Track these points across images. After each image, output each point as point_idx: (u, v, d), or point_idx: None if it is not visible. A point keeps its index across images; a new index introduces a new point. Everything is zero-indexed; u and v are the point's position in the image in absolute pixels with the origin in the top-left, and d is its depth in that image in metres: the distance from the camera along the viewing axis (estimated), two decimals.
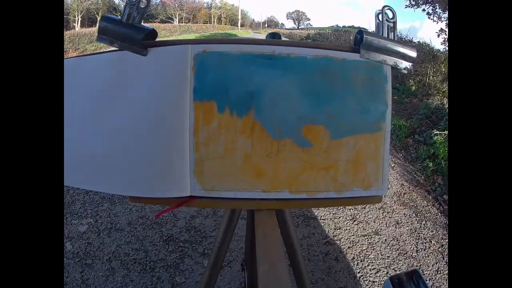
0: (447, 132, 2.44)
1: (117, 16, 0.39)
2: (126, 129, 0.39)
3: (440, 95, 3.73)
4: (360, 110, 0.40)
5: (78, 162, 0.40)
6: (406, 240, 1.55)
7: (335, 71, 0.40)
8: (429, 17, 6.13)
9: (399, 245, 1.51)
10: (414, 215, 1.77)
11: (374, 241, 1.52)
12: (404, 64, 0.41)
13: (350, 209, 1.75)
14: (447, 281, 1.32)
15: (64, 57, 0.38)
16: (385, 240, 1.54)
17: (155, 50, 0.38)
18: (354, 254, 1.42)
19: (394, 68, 0.41)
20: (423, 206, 1.87)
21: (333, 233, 1.55)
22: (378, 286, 1.27)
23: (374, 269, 1.35)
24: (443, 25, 5.82)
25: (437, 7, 5.82)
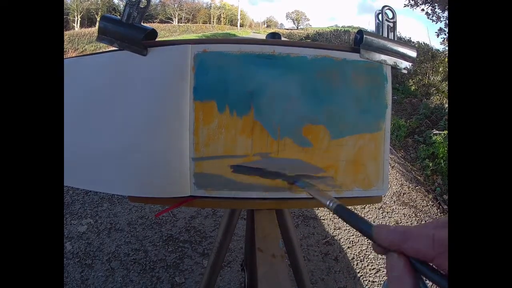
0: (447, 131, 2.45)
1: (117, 16, 0.39)
2: (126, 129, 0.39)
3: (440, 95, 3.74)
4: (360, 110, 0.40)
5: (78, 162, 0.40)
6: None
7: (335, 71, 0.40)
8: (428, 17, 6.14)
9: None
10: (413, 215, 1.77)
11: None
12: (404, 64, 0.41)
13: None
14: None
15: (64, 57, 0.38)
16: None
17: (155, 50, 0.38)
18: (354, 254, 1.42)
19: (394, 68, 0.41)
20: (422, 206, 1.87)
21: (332, 233, 1.55)
22: (377, 286, 1.27)
23: (373, 269, 1.35)
24: (442, 25, 5.83)
25: (436, 7, 5.83)
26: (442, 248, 0.19)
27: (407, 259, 0.21)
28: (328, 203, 0.30)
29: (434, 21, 6.09)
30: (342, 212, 0.29)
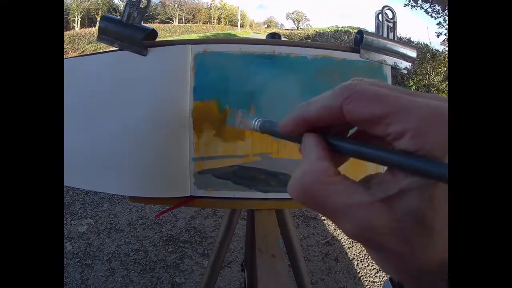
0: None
1: (117, 16, 0.39)
2: (126, 129, 0.39)
3: (440, 95, 3.74)
4: None
5: (78, 162, 0.40)
6: None
7: (335, 71, 0.40)
8: (428, 14, 6.15)
9: None
10: None
11: None
12: (404, 64, 0.41)
13: None
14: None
15: (64, 58, 0.38)
16: None
17: (155, 50, 0.38)
18: (354, 254, 1.42)
19: (394, 68, 0.41)
20: None
21: (333, 233, 1.55)
22: (378, 287, 1.27)
23: (374, 269, 1.35)
24: (441, 20, 5.84)
25: (436, 6, 5.83)
26: (349, 92, 0.15)
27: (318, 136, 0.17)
28: (253, 123, 0.27)
29: (434, 17, 6.09)
30: (267, 126, 0.25)
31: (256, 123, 0.27)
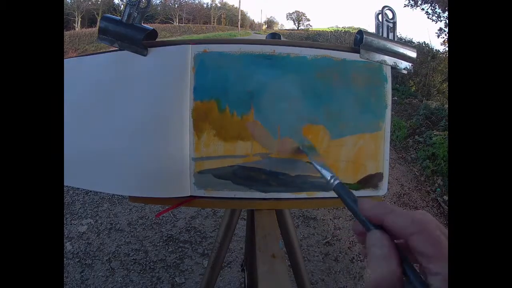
0: (447, 132, 2.44)
1: (117, 16, 0.39)
2: (126, 129, 0.39)
3: (440, 95, 3.74)
4: (360, 110, 0.40)
5: (78, 162, 0.40)
6: None
7: (335, 71, 0.40)
8: (428, 17, 6.14)
9: None
10: None
11: None
12: (403, 65, 0.41)
13: None
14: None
15: (64, 57, 0.38)
16: None
17: (155, 50, 0.38)
18: (354, 255, 1.42)
19: (394, 68, 0.41)
20: (423, 207, 1.87)
21: (333, 233, 1.55)
22: None
23: None
24: (442, 24, 5.84)
25: (437, 7, 5.83)
26: (420, 227, 0.20)
27: (391, 238, 0.21)
28: (329, 178, 0.30)
29: (434, 20, 6.09)
30: (342, 190, 0.27)
31: (332, 180, 0.30)
